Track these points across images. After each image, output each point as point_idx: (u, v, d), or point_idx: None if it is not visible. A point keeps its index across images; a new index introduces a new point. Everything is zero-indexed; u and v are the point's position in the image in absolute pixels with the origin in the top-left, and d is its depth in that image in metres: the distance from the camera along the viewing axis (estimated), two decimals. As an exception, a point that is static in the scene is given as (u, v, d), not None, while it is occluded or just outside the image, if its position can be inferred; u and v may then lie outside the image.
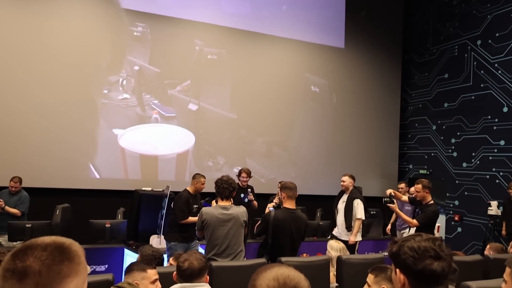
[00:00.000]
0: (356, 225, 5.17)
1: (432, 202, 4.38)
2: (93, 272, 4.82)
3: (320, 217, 7.25)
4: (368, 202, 8.39)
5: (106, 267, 4.89)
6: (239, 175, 5.65)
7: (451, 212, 7.79)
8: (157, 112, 7.14)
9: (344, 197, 5.39)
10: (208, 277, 2.00)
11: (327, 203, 7.83)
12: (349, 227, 5.19)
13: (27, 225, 4.83)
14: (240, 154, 7.73)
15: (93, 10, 6.74)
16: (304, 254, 6.22)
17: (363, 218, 5.22)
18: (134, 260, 4.74)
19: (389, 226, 6.68)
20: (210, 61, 7.55)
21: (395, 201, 4.40)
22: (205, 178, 4.90)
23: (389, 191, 4.47)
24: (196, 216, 4.58)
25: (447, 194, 7.96)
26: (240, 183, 5.60)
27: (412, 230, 5.79)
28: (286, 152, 8.14)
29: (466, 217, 7.59)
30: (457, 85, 7.98)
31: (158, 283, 2.20)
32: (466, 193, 7.63)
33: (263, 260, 2.75)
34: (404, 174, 9.23)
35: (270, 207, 3.53)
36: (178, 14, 7.32)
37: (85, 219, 5.31)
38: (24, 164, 6.23)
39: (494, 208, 6.81)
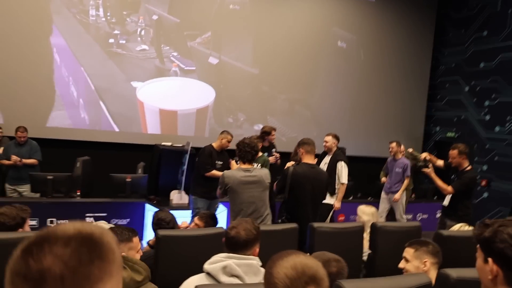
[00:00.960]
0: (341, 190, 4.88)
1: (469, 168, 4.10)
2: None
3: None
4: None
5: (128, 221, 4.89)
6: (268, 134, 5.36)
7: (478, 176, 7.50)
8: (177, 65, 6.87)
9: (327, 159, 5.00)
10: (257, 249, 1.79)
11: (352, 164, 7.65)
12: (332, 191, 4.78)
13: (48, 177, 4.79)
14: (261, 111, 7.49)
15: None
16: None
17: (346, 182, 4.86)
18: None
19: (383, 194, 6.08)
20: (232, 11, 7.12)
21: (430, 165, 4.12)
22: (232, 136, 4.71)
23: (424, 155, 4.20)
24: (220, 171, 4.47)
25: (475, 159, 7.64)
26: (267, 142, 5.40)
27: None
28: (309, 111, 7.86)
29: (494, 182, 7.31)
30: (497, 44, 7.40)
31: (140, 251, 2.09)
32: (496, 158, 7.30)
33: (293, 225, 2.58)
34: (431, 137, 8.88)
35: (289, 165, 3.37)
36: (199, -41, 6.83)
37: (106, 173, 5.25)
38: (43, 115, 6.15)
39: (525, 175, 6.50)
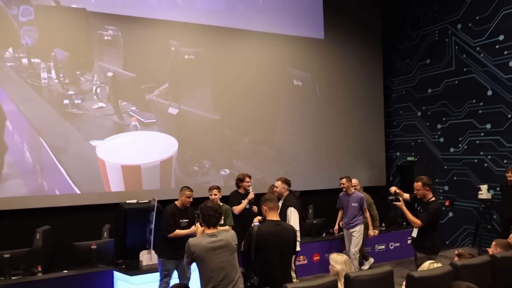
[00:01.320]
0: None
1: (433, 199, 4.25)
2: (83, 300, 4.54)
3: (313, 214, 7.12)
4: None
5: (96, 292, 4.62)
6: (241, 181, 5.43)
7: (441, 197, 7.78)
8: (136, 119, 6.80)
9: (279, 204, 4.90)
10: None
11: (319, 199, 7.74)
12: None
13: (5, 255, 4.48)
14: (226, 156, 7.49)
15: (60, 16, 6.31)
16: (301, 257, 6.10)
17: (298, 228, 4.59)
18: (125, 284, 4.49)
19: (336, 226, 6.31)
20: (187, 61, 7.23)
21: (401, 198, 4.25)
22: (191, 191, 4.57)
23: (393, 189, 4.30)
24: (186, 229, 4.36)
25: (436, 180, 7.94)
26: (242, 189, 5.41)
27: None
28: (273, 150, 7.95)
29: (457, 202, 7.60)
30: (440, 70, 7.91)
31: None
32: (455, 178, 7.63)
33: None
34: (392, 162, 9.19)
35: (256, 221, 3.31)
36: (150, 14, 6.94)
37: (69, 241, 4.99)
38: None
39: (484, 192, 6.81)
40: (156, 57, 6.99)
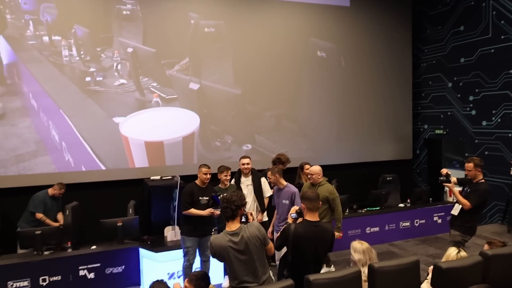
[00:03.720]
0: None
1: (483, 180, 4.18)
2: (111, 275, 4.71)
3: (336, 189, 7.01)
4: (383, 167, 8.22)
5: (123, 268, 4.77)
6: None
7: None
8: (157, 95, 6.77)
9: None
10: None
11: (342, 173, 7.61)
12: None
13: (36, 232, 4.65)
14: (248, 131, 7.41)
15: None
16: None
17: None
18: (150, 261, 4.61)
19: (270, 228, 4.96)
20: (207, 34, 7.04)
21: (451, 180, 4.20)
22: (208, 168, 4.51)
23: (444, 171, 4.27)
24: (205, 209, 4.35)
25: (466, 154, 7.65)
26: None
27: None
28: (296, 124, 7.80)
29: (487, 177, 7.29)
30: (475, 38, 7.41)
31: None
32: (486, 152, 7.31)
33: (289, 282, 2.49)
34: (419, 135, 8.89)
35: (292, 213, 3.13)
36: (169, -14, 6.74)
37: (96, 216, 5.13)
38: (27, 162, 6.02)
39: (517, 168, 6.52)
40: (175, 31, 6.84)
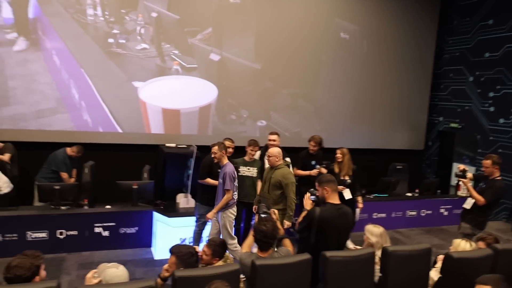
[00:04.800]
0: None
1: (499, 178, 4.24)
2: (124, 235, 4.87)
3: (355, 173, 7.04)
4: (394, 156, 8.24)
5: (137, 229, 4.92)
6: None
7: (481, 168, 7.52)
8: (178, 63, 6.77)
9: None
10: None
11: (355, 157, 7.62)
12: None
13: (55, 187, 4.79)
14: (264, 107, 7.43)
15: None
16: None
17: None
18: (164, 225, 4.75)
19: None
20: (232, 6, 6.96)
21: (467, 175, 4.31)
22: (231, 141, 4.62)
23: (462, 167, 4.39)
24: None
25: (479, 150, 7.65)
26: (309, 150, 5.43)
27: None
28: (312, 105, 7.79)
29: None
30: (503, 33, 7.27)
31: None
32: (500, 150, 7.30)
33: (307, 256, 2.58)
34: (433, 127, 8.86)
35: (311, 196, 3.16)
36: (198, -48, 6.61)
37: (111, 176, 5.25)
38: (46, 119, 6.11)
39: (529, 168, 6.53)
40: (201, 0, 6.76)
